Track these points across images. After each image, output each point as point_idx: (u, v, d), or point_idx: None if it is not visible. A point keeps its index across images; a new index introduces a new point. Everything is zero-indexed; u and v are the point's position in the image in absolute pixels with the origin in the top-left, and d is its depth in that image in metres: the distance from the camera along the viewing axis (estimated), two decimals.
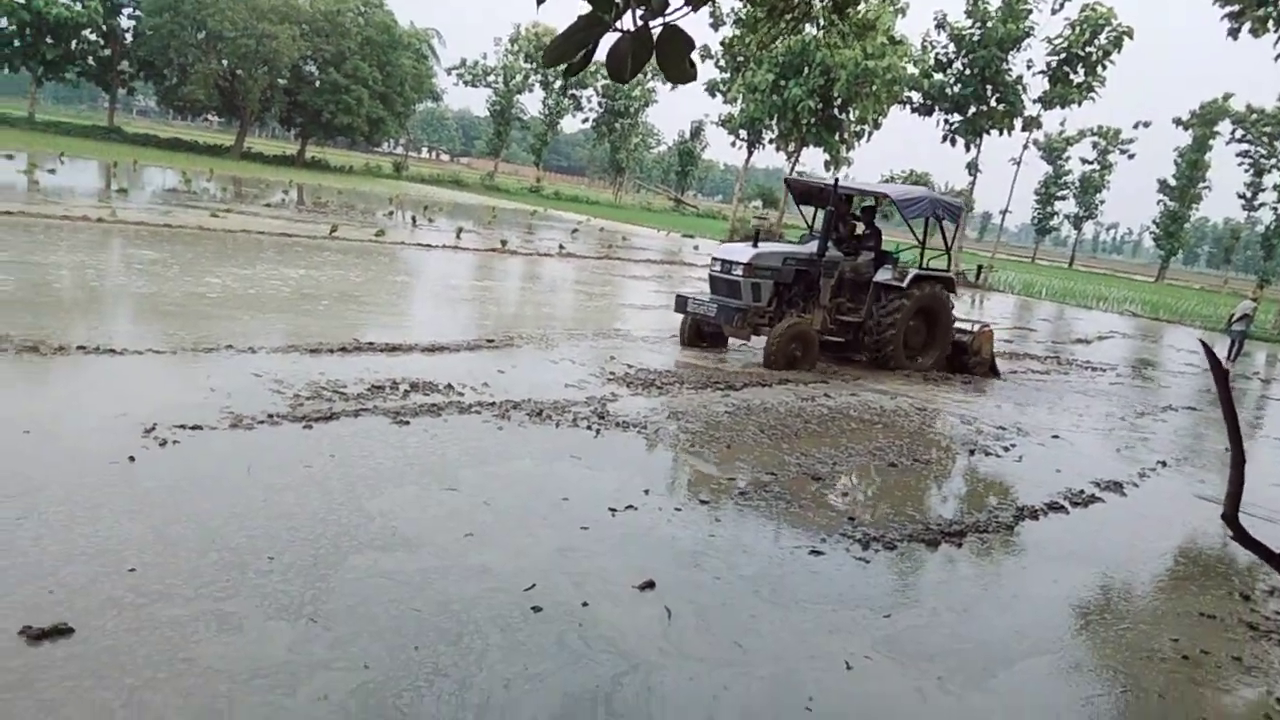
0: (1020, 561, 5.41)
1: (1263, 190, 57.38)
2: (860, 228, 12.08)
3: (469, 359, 8.84)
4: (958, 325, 12.02)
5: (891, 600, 4.53)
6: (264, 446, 5.48)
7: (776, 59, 35.57)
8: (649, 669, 3.53)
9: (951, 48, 33.45)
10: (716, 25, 36.37)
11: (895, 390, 10.32)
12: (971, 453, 7.90)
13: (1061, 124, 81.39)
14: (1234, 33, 15.16)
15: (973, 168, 34.82)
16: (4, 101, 66.92)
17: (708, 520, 5.27)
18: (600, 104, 66.76)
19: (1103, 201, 71.42)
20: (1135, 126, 53.90)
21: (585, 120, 68.94)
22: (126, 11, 46.94)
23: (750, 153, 41.66)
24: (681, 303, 11.03)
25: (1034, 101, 33.34)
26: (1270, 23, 15.16)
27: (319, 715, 2.96)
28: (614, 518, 5.09)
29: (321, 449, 5.54)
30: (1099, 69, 32.34)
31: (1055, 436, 9.01)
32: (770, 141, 39.83)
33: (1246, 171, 57.96)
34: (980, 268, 33.51)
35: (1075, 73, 32.53)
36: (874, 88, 33.84)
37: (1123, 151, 66.64)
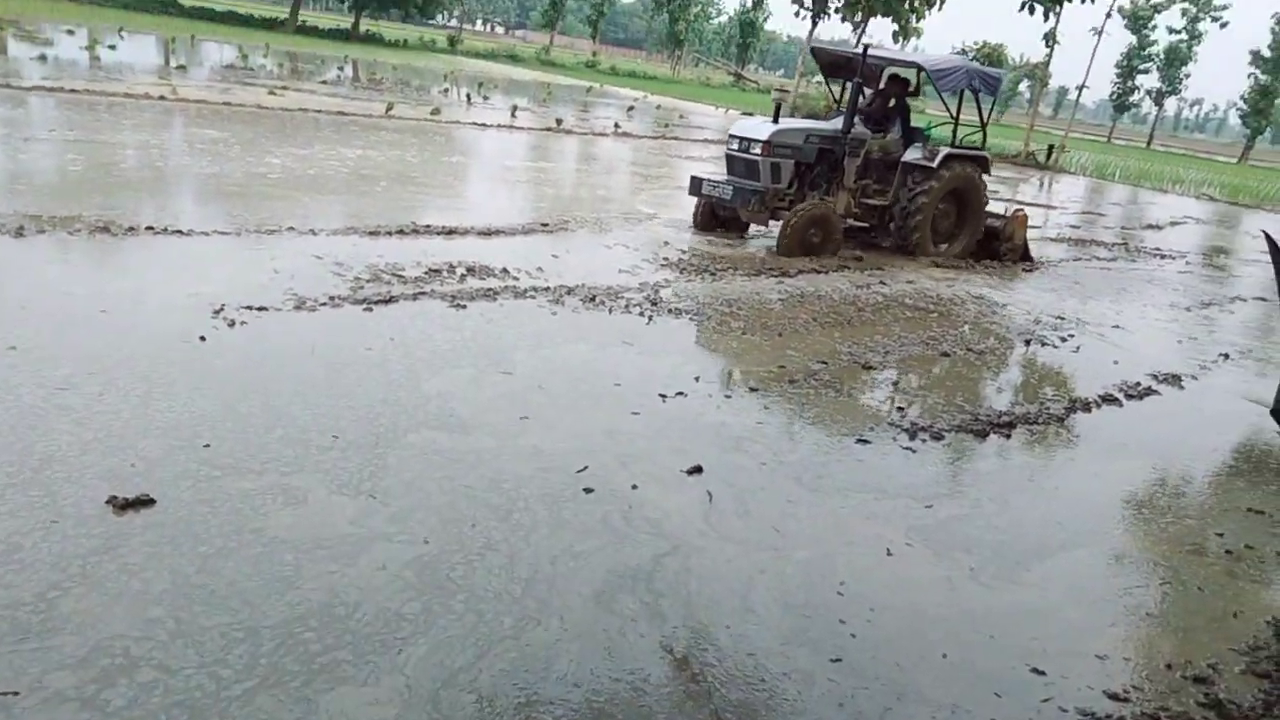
0: (1069, 454, 5.38)
1: None
2: (894, 101, 11.12)
3: (524, 243, 8.85)
4: (990, 210, 11.31)
5: (934, 490, 4.56)
6: (326, 328, 5.62)
7: None
8: (689, 551, 3.64)
9: None
10: None
11: (953, 278, 10.09)
12: (1027, 343, 7.77)
13: None
14: None
15: (1050, 38, 32.77)
16: None
17: (756, 407, 5.32)
18: None
19: (1188, 75, 66.94)
20: None
21: None
22: None
23: (814, 23, 39.71)
24: (696, 185, 10.41)
25: None
26: None
27: (378, 584, 3.14)
28: (664, 403, 5.15)
29: (381, 331, 5.66)
30: None
31: (1116, 327, 8.79)
32: (836, 10, 37.88)
33: None
34: (1051, 147, 31.96)
35: None
36: None
37: (1215, 19, 61.89)
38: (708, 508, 4.01)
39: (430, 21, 76.32)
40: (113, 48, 25.24)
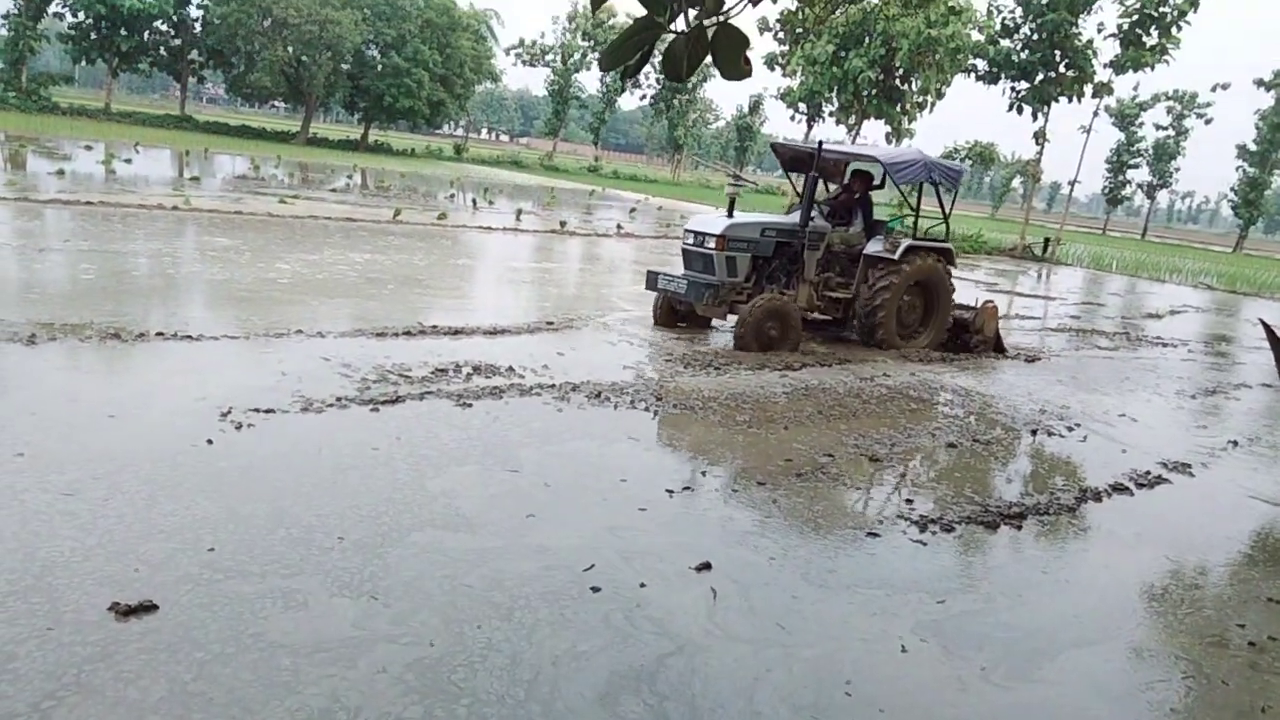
0: (1082, 544, 5.32)
1: None
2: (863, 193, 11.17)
3: (529, 341, 8.96)
4: (959, 302, 11.36)
5: (945, 584, 4.50)
6: (333, 429, 5.66)
7: (836, 30, 34.90)
8: (694, 650, 3.58)
9: (1019, 12, 32.37)
10: None
11: (955, 370, 10.15)
12: (1034, 433, 7.76)
13: (1134, 89, 78.41)
14: None
15: (1040, 137, 33.76)
16: (83, 93, 69.31)
17: (764, 502, 5.29)
18: (658, 81, 66.38)
19: (1178, 169, 68.60)
20: (1213, 89, 51.20)
21: (643, 97, 68.70)
22: (195, 1, 48.18)
23: (810, 126, 41.07)
24: (652, 279, 10.36)
25: (1105, 66, 32.12)
26: None
27: (378, 687, 3.08)
28: (671, 499, 5.14)
29: (387, 431, 5.70)
30: (1174, 30, 30.98)
31: (1122, 416, 8.78)
32: (830, 114, 39.17)
33: None
34: (1048, 240, 32.51)
35: (1149, 34, 31.22)
36: (937, 57, 32.97)
37: (1199, 116, 63.77)
38: (714, 605, 3.96)
39: (436, 131, 78.95)
40: (128, 161, 26.09)
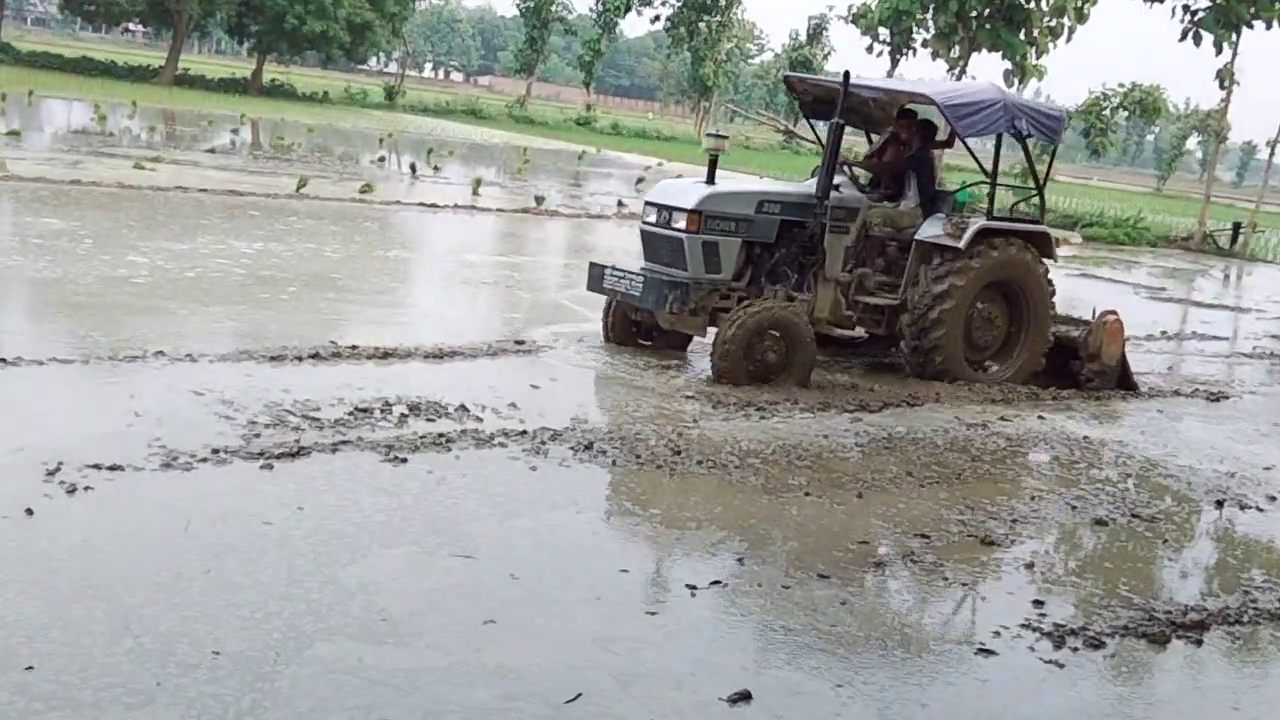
0: None
1: None
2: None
3: (490, 368, 8.98)
4: (1062, 314, 11.10)
5: None
6: (206, 494, 5.64)
7: None
8: None
9: None
10: None
11: (1104, 413, 10.14)
12: (1219, 504, 7.73)
13: None
14: None
15: (1226, 77, 33.83)
16: None
17: (827, 603, 5.26)
18: None
19: None
20: None
21: (655, 20, 69.18)
22: None
23: (895, 61, 41.26)
24: (596, 275, 10.07)
25: None
26: None
27: None
28: (693, 598, 5.12)
29: (284, 497, 5.69)
30: None
31: None
32: (924, 44, 39.39)
33: None
34: (1238, 226, 32.59)
35: None
36: None
37: None
38: None
39: (360, 67, 79.73)
40: None
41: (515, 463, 6.69)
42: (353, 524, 5.45)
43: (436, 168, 28.33)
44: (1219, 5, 32.73)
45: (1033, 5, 36.19)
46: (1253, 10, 32.59)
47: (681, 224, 9.53)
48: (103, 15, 51.55)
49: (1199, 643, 5.38)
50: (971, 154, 11.19)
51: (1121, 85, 55.99)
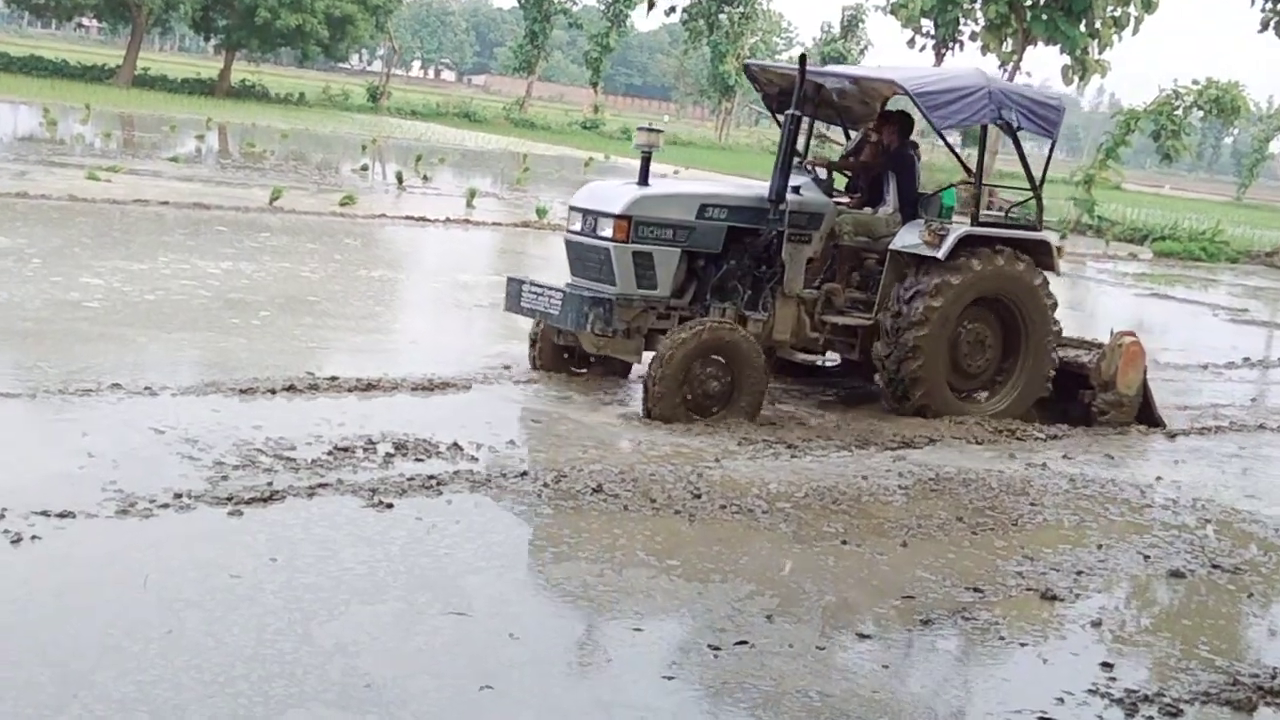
0: None
1: None
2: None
3: (484, 401, 8.99)
4: (1069, 336, 10.78)
5: None
6: (167, 544, 5.63)
7: None
8: None
9: None
10: None
11: (1180, 452, 10.08)
12: None
13: None
14: None
15: None
16: None
17: (868, 665, 5.24)
18: None
19: None
20: None
21: (670, 11, 69.44)
22: None
23: (939, 56, 41.44)
24: (514, 292, 9.85)
25: None
26: None
27: None
28: (716, 659, 5.09)
29: (255, 547, 5.67)
30: None
31: None
32: (972, 37, 39.54)
33: None
34: None
35: None
36: None
37: None
38: None
39: (340, 66, 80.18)
40: None
41: (515, 508, 6.68)
42: (331, 577, 5.43)
43: (426, 177, 28.42)
44: None
45: None
46: None
47: (608, 231, 9.27)
48: (54, 10, 51.87)
49: None
50: (951, 150, 10.99)
51: (1194, 83, 55.90)
